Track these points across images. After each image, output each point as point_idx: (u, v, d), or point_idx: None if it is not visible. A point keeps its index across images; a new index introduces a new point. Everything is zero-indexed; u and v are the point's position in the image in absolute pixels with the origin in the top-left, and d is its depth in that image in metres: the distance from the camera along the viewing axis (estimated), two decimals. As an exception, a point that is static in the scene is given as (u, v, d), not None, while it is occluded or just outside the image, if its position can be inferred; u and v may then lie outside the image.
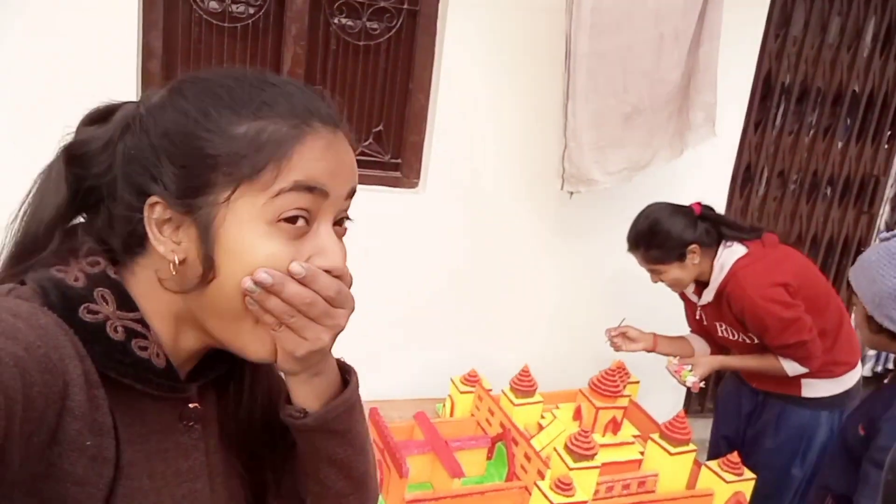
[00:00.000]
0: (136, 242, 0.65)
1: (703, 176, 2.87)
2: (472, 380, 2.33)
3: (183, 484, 0.68)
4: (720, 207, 3.03)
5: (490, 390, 2.27)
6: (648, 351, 2.40)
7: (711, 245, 2.16)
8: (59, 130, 0.69)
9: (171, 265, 0.63)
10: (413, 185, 2.64)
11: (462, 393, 2.30)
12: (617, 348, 2.40)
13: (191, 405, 0.69)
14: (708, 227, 2.16)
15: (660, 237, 2.13)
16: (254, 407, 0.76)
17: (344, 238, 0.68)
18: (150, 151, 0.62)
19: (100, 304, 0.62)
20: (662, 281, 2.22)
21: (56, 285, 0.61)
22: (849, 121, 3.33)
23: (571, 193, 2.47)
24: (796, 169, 3.30)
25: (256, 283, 0.60)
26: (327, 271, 0.62)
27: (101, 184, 0.65)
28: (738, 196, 3.18)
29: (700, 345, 2.41)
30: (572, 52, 2.21)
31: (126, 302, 0.63)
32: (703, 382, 2.24)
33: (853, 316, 1.71)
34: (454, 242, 2.68)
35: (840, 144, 3.33)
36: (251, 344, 0.64)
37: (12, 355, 0.51)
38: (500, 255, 2.74)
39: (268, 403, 0.76)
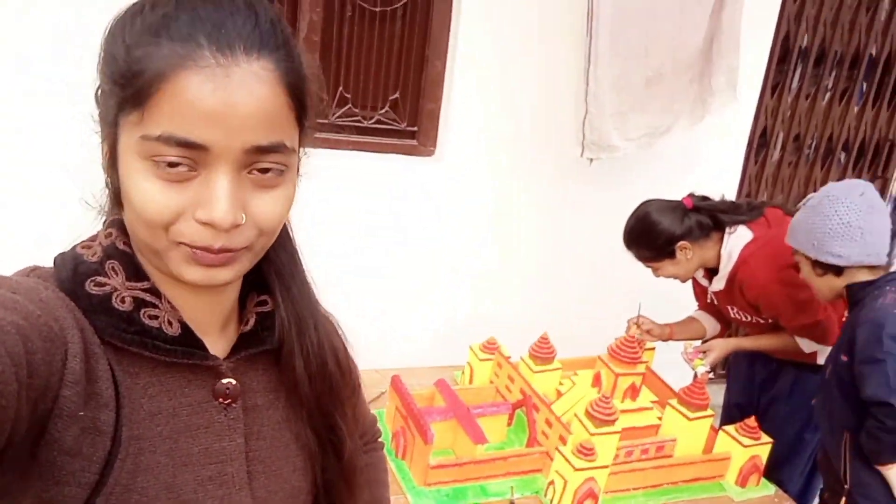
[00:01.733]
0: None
1: (720, 142, 2.86)
2: (490, 347, 2.34)
3: (211, 465, 0.66)
4: (735, 173, 3.03)
5: (509, 357, 2.29)
6: (665, 340, 2.40)
7: (707, 235, 2.13)
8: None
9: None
10: (430, 152, 2.63)
11: (481, 360, 2.32)
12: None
13: (224, 381, 0.67)
14: (702, 218, 2.13)
15: (647, 236, 2.14)
16: (309, 374, 0.72)
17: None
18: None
19: (110, 276, 0.62)
20: (661, 276, 2.22)
21: (70, 261, 0.63)
22: (865, 84, 3.30)
23: (591, 160, 2.46)
24: (812, 133, 3.28)
25: None
26: (206, 224, 0.58)
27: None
28: (753, 162, 3.17)
29: (710, 323, 2.42)
30: (595, 15, 2.18)
31: (136, 271, 0.64)
32: (712, 373, 2.26)
33: (802, 276, 1.88)
34: (472, 209, 2.68)
35: (856, 109, 3.30)
36: (180, 270, 0.61)
37: (13, 324, 0.52)
38: (518, 223, 2.74)
39: (322, 367, 0.74)
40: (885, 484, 1.75)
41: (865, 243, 1.75)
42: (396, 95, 2.58)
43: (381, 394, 2.22)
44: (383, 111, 2.58)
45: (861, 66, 3.21)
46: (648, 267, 2.22)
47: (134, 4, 0.59)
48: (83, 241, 0.66)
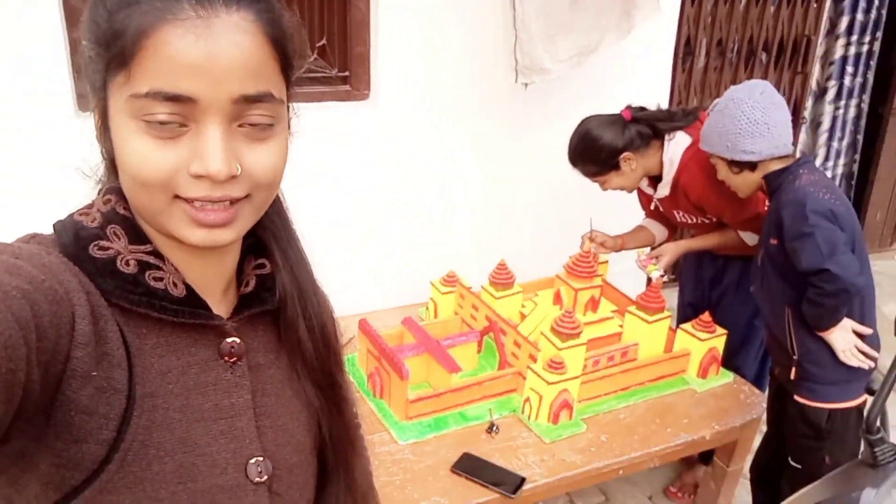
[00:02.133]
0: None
1: (647, 55, 2.90)
2: (450, 280, 2.38)
3: (221, 420, 0.68)
4: (665, 84, 3.09)
5: (470, 288, 2.34)
6: (618, 250, 2.48)
7: (647, 144, 2.19)
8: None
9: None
10: (364, 96, 2.60)
11: (443, 294, 2.37)
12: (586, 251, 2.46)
13: (228, 340, 0.69)
14: (641, 128, 2.18)
15: (591, 152, 2.19)
16: (311, 333, 0.75)
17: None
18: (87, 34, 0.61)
19: (112, 240, 0.63)
20: (609, 188, 2.28)
21: (71, 227, 0.64)
22: (778, -17, 3.39)
23: (526, 85, 2.47)
24: (733, 37, 3.36)
25: None
26: (202, 177, 0.58)
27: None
28: (680, 70, 3.24)
29: (658, 229, 2.50)
30: (514, -62, 2.16)
31: (137, 235, 0.65)
32: (666, 276, 2.35)
33: (720, 177, 2.01)
34: (413, 149, 2.68)
35: (772, 8, 3.39)
36: (182, 232, 0.62)
37: (18, 289, 0.52)
38: (461, 155, 2.75)
39: (322, 327, 0.76)
40: (829, 348, 1.88)
41: (772, 136, 1.87)
42: (323, 42, 2.53)
43: (351, 339, 2.24)
44: (312, 59, 2.53)
45: (773, -35, 3.29)
46: (595, 181, 2.28)
47: None
48: (80, 209, 0.66)
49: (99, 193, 0.68)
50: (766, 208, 2.19)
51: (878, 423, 0.98)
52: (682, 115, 2.21)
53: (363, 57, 2.55)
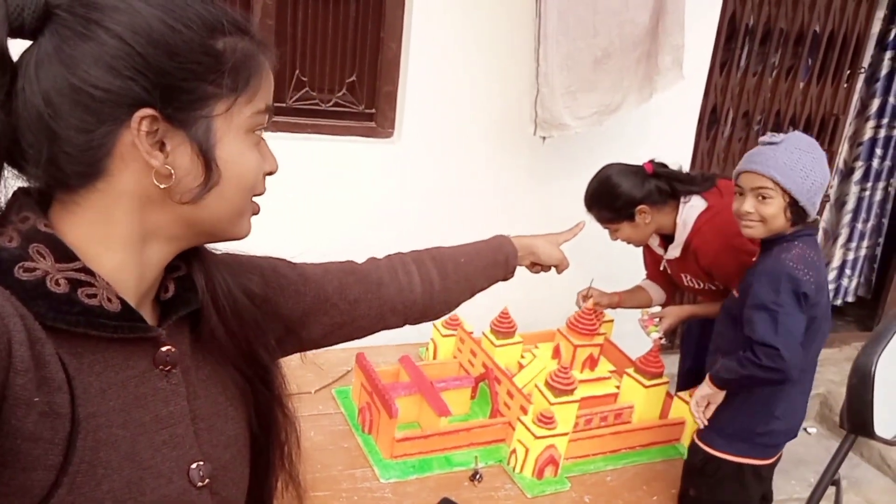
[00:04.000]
0: (94, 173, 0.62)
1: (671, 119, 2.93)
2: (453, 323, 2.39)
3: (163, 430, 0.68)
4: (687, 150, 3.11)
5: (471, 333, 2.34)
6: (612, 307, 2.47)
7: (665, 202, 2.19)
8: None
9: (156, 179, 0.63)
10: (388, 134, 2.65)
11: (444, 336, 2.37)
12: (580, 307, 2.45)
13: (163, 349, 0.69)
14: (661, 184, 2.18)
15: (609, 198, 2.18)
16: (221, 312, 0.75)
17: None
18: (113, 62, 0.59)
19: (37, 260, 0.61)
20: (618, 238, 2.28)
21: None
22: (810, 61, 3.41)
23: (544, 139, 2.51)
24: (760, 110, 3.38)
25: None
26: (270, 173, 0.73)
27: (17, 126, 0.61)
28: (704, 138, 3.25)
29: (657, 292, 2.49)
30: (543, -4, 2.22)
31: (64, 253, 0.62)
32: (665, 339, 2.33)
33: (750, 210, 1.80)
34: (430, 190, 2.72)
35: (802, 85, 3.41)
36: (244, 228, 0.73)
37: None
38: (475, 201, 2.78)
39: (235, 303, 0.76)
40: (726, 402, 1.87)
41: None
42: (353, 78, 2.60)
43: (347, 371, 2.25)
44: (340, 94, 2.60)
45: (805, 43, 3.31)
46: (606, 228, 2.27)
47: (168, 10, 0.62)
48: None
49: (8, 210, 0.64)
50: None
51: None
52: (700, 179, 2.22)
53: (391, 96, 2.62)
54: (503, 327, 2.31)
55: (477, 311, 2.49)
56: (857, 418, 0.95)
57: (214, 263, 0.76)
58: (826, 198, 3.84)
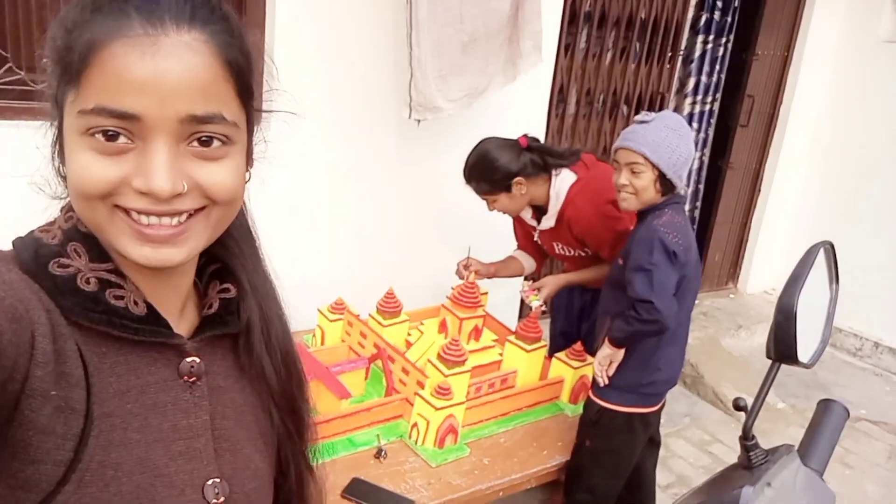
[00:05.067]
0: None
1: (525, 99, 3.10)
2: (339, 307, 2.41)
3: (179, 441, 0.68)
4: (541, 127, 3.32)
5: (358, 315, 2.38)
6: (489, 277, 2.62)
7: (538, 174, 2.34)
8: None
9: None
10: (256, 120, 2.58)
11: (331, 321, 2.39)
12: (464, 278, 2.58)
13: (188, 359, 0.69)
14: (534, 157, 2.33)
15: (487, 171, 2.31)
16: (273, 359, 0.76)
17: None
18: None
19: (72, 257, 0.63)
20: (496, 209, 2.42)
21: (31, 244, 0.63)
22: (638, 45, 3.75)
23: (419, 122, 2.58)
24: (600, 89, 3.66)
25: None
26: (145, 193, 0.59)
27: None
28: (554, 116, 3.48)
29: (528, 261, 2.67)
30: (413, -17, 2.27)
31: (99, 253, 0.64)
32: (545, 306, 2.51)
33: (625, 182, 1.98)
34: (306, 176, 2.69)
35: (633, 65, 3.74)
36: (122, 247, 0.62)
37: None
38: (353, 186, 2.80)
39: (285, 353, 0.78)
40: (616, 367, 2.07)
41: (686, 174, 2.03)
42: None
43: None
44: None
45: (634, 28, 3.63)
46: (484, 199, 2.39)
47: None
48: (41, 226, 0.66)
49: (61, 211, 0.67)
50: None
51: (752, 432, 1.15)
52: (568, 153, 2.38)
53: (257, 83, 2.54)
54: (389, 307, 2.37)
55: (359, 294, 2.54)
56: (783, 349, 1.10)
57: (276, 303, 0.77)
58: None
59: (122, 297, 0.64)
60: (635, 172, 1.96)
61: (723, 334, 4.16)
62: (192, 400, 0.69)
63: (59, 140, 0.63)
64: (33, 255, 0.62)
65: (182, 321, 0.72)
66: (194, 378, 0.69)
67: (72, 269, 0.62)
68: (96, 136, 0.57)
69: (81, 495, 0.60)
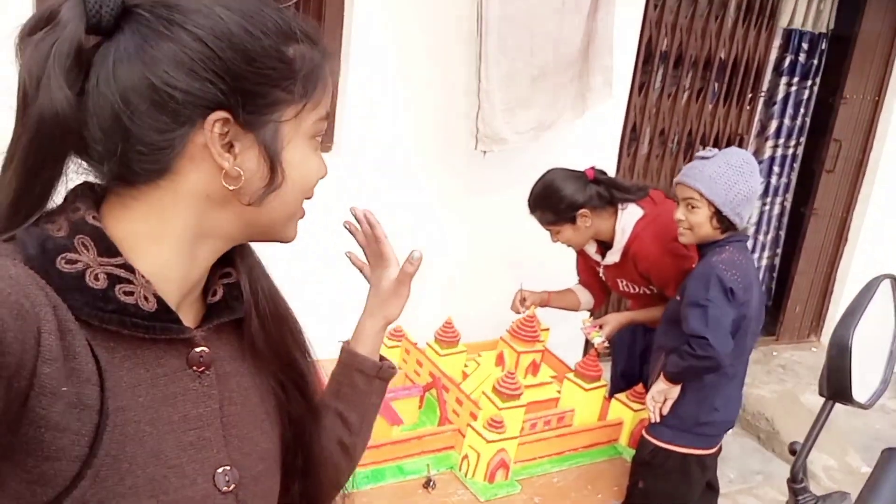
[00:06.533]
0: (161, 170, 0.64)
1: (596, 136, 3.08)
2: (397, 335, 2.41)
3: (190, 431, 0.68)
4: (611, 166, 3.28)
5: (416, 343, 2.37)
6: (542, 306, 2.56)
7: (604, 207, 2.30)
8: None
9: (225, 181, 0.65)
10: (326, 148, 2.66)
11: (389, 348, 2.39)
12: (520, 312, 2.54)
13: (197, 349, 0.69)
14: (601, 190, 2.29)
15: (552, 201, 2.28)
16: (263, 320, 0.76)
17: None
18: (193, 64, 0.61)
19: (80, 251, 0.61)
20: (559, 241, 2.38)
21: (37, 237, 0.61)
22: (716, 85, 3.67)
23: (485, 153, 2.59)
24: (674, 129, 3.60)
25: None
26: (321, 178, 0.74)
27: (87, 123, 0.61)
28: (625, 155, 3.44)
29: (586, 297, 2.61)
30: (483, 17, 2.31)
31: (107, 247, 0.63)
32: (608, 343, 2.44)
33: (682, 217, 1.98)
34: (370, 202, 2.73)
35: (710, 106, 3.66)
36: (293, 231, 0.75)
37: None
38: (416, 214, 2.82)
39: (274, 308, 0.78)
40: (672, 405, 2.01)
41: (751, 213, 2.00)
42: (292, 92, 2.60)
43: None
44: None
45: (713, 68, 3.57)
46: (548, 230, 2.36)
47: (246, 17, 0.64)
48: (45, 215, 0.63)
49: (66, 200, 0.65)
50: None
51: (801, 475, 1.07)
52: (635, 188, 2.33)
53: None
54: (447, 337, 2.35)
55: (418, 323, 2.54)
56: (836, 386, 1.04)
57: (259, 269, 0.78)
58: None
59: (131, 293, 0.62)
60: (692, 207, 1.92)
61: (802, 389, 3.92)
62: (202, 389, 0.69)
63: (266, 142, 0.66)
64: (39, 249, 0.60)
65: (192, 309, 0.72)
66: (203, 367, 0.70)
67: (80, 265, 0.61)
68: (317, 137, 0.72)
69: (97, 489, 0.60)
